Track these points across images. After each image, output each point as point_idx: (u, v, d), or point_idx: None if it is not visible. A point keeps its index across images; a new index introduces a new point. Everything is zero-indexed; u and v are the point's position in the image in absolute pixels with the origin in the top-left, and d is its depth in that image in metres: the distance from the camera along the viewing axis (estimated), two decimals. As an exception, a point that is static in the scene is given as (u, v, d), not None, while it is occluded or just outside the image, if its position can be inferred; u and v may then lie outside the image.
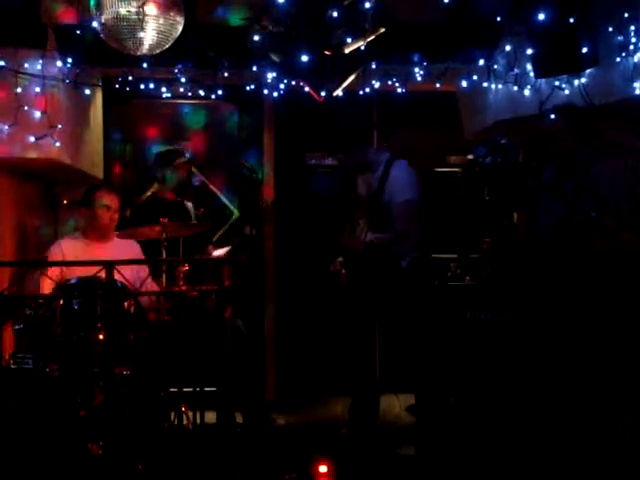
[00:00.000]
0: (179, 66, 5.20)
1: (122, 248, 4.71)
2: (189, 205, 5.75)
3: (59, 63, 5.04)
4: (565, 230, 4.22)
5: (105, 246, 4.67)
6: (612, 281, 4.22)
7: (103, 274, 3.64)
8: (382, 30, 4.58)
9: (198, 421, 4.03)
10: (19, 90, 4.85)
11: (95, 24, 4.26)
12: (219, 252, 5.50)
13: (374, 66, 5.24)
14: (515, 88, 5.18)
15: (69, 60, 5.06)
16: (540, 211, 4.49)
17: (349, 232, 5.03)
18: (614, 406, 4.00)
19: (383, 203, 4.88)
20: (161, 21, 4.20)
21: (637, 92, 4.57)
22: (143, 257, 4.98)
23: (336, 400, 5.88)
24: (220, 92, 5.63)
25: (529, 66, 4.95)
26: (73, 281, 3.97)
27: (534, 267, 4.50)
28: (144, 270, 4.60)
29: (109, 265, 3.51)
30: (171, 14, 4.23)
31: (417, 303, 4.78)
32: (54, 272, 4.20)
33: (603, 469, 3.91)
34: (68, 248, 4.63)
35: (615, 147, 4.49)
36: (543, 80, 4.99)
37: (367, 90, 5.56)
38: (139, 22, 4.12)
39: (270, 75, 5.21)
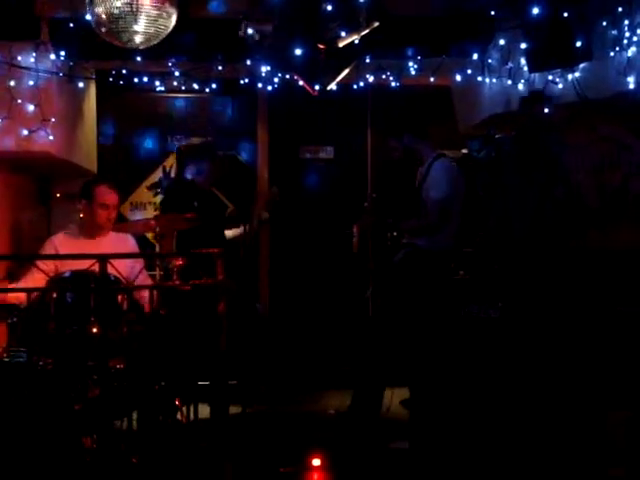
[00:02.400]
0: (173, 59, 5.19)
1: (117, 242, 4.68)
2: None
3: (52, 56, 5.03)
4: (540, 220, 4.23)
5: (100, 241, 4.64)
6: (604, 273, 4.24)
7: (97, 268, 3.62)
8: (376, 24, 4.58)
9: (192, 415, 4.02)
10: (12, 83, 4.84)
11: (89, 17, 4.25)
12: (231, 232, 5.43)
13: (368, 60, 5.24)
14: (509, 82, 5.19)
15: (62, 53, 5.05)
16: (515, 201, 4.49)
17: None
18: (606, 400, 4.02)
19: (422, 198, 4.91)
20: (154, 14, 4.19)
21: (631, 86, 4.59)
22: (138, 251, 4.96)
23: (330, 393, 5.89)
24: (214, 85, 5.63)
25: (523, 60, 4.96)
26: (67, 275, 3.96)
27: (516, 261, 4.50)
28: (140, 263, 4.59)
29: (102, 259, 3.49)
30: (164, 7, 4.22)
31: (411, 297, 4.77)
32: (48, 268, 4.18)
33: (594, 462, 3.93)
34: (62, 244, 4.59)
35: (607, 142, 4.50)
36: (537, 74, 5.00)
37: (361, 84, 5.56)
38: (132, 15, 4.11)
39: (264, 69, 5.20)
